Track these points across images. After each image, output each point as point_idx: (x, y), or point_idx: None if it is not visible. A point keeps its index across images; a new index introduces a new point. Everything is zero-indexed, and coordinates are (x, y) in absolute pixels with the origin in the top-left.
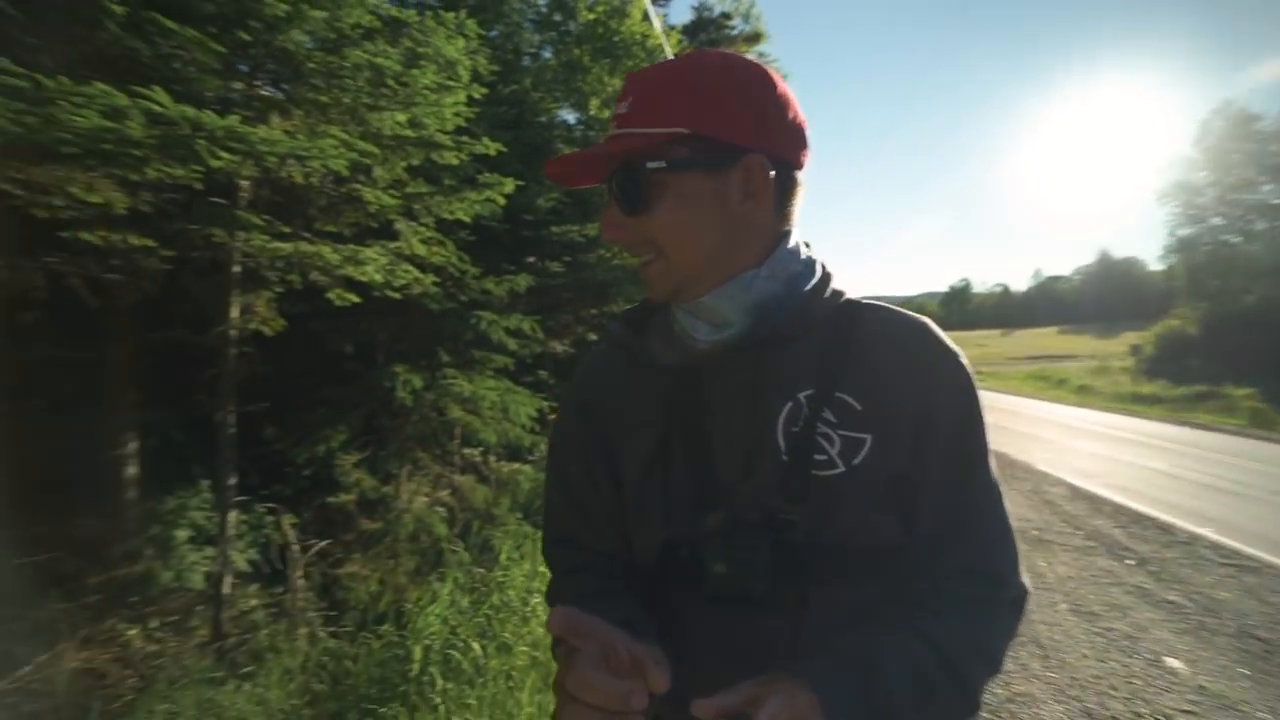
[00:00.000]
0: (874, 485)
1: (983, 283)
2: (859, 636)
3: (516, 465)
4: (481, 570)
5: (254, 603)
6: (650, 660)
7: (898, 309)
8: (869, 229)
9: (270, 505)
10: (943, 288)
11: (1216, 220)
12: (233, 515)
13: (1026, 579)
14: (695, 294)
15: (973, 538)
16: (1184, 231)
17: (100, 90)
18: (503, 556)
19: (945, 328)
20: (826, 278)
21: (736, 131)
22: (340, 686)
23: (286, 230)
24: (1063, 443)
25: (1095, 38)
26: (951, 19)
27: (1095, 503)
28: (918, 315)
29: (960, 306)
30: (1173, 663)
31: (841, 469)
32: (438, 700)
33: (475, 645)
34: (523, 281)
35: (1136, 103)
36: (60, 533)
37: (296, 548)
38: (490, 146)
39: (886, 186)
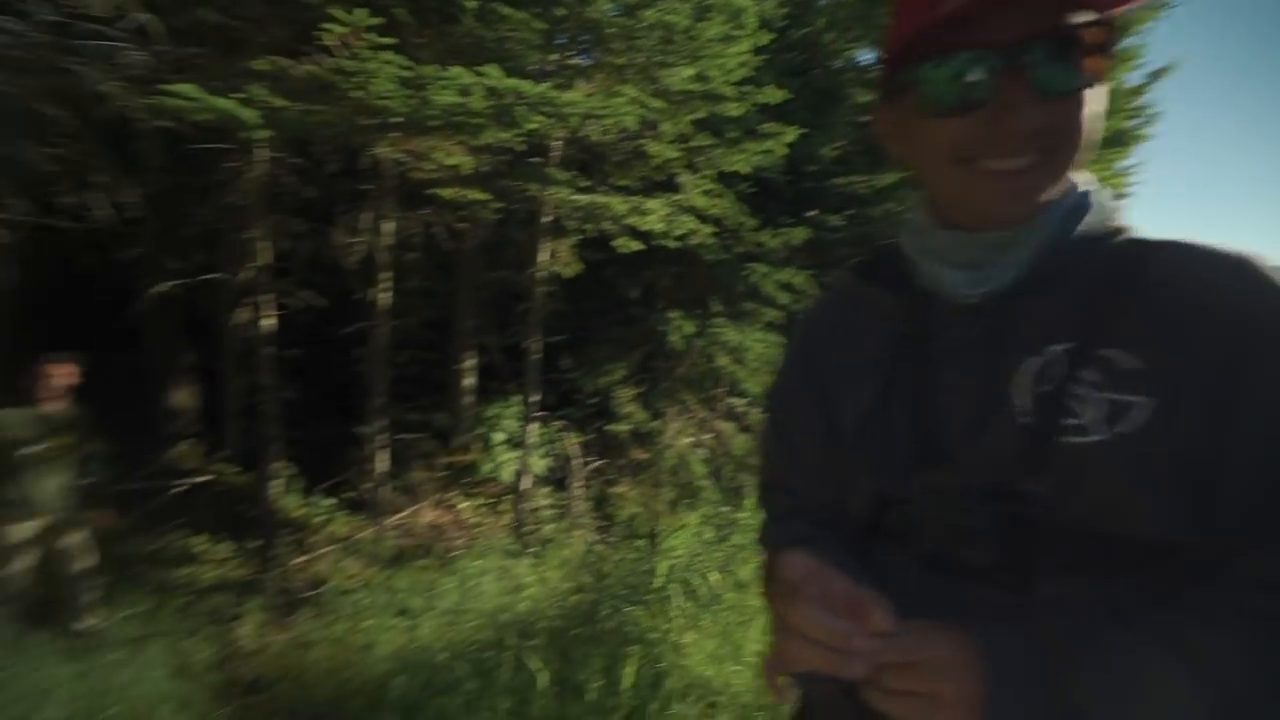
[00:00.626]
0: (1144, 461)
1: None
2: (1083, 619)
3: None
4: (728, 509)
5: (544, 502)
6: (871, 601)
7: (1206, 243)
8: None
9: (562, 423)
10: None
11: None
12: (534, 427)
13: None
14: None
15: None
16: None
17: (456, 73)
18: (750, 502)
19: None
20: (1107, 208)
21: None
22: (601, 582)
23: (586, 184)
24: None
25: None
26: None
27: None
28: (1236, 248)
29: None
30: None
31: (1101, 437)
32: (674, 613)
33: (713, 575)
34: (800, 235)
35: None
36: (422, 422)
37: (580, 462)
38: (774, 95)
39: None
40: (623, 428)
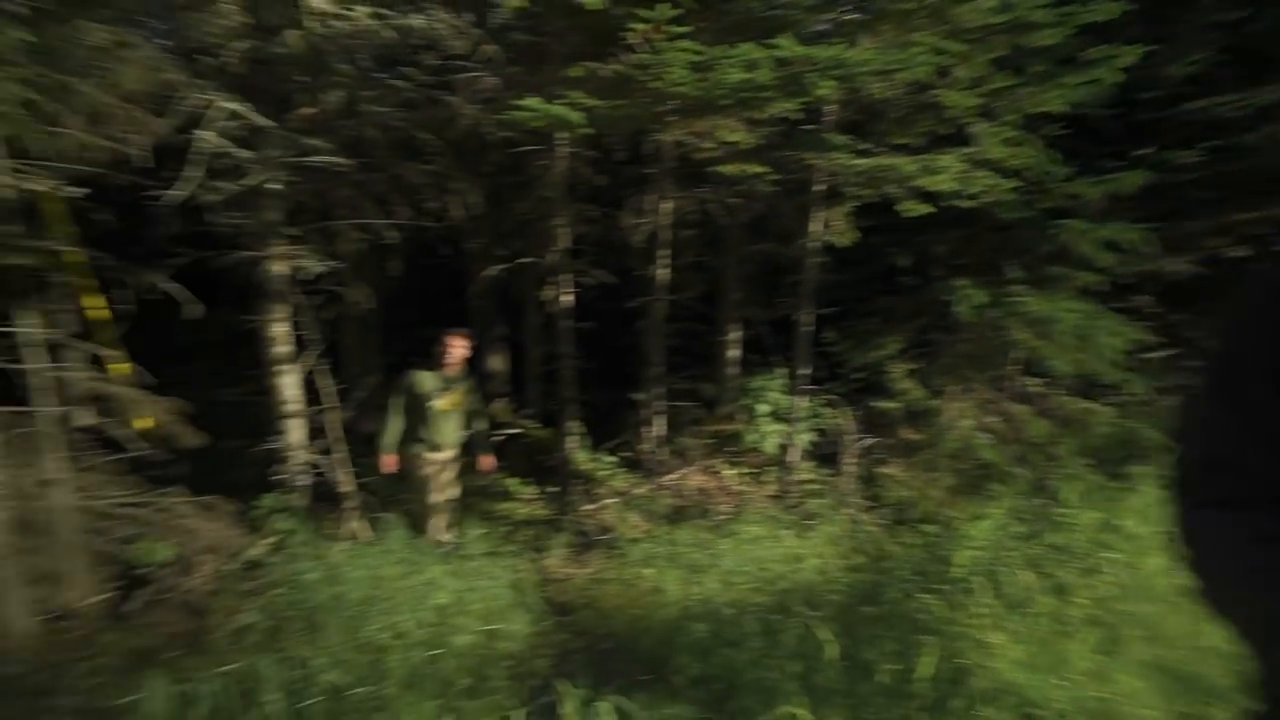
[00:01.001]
0: None
1: None
2: None
3: (1089, 403)
4: (1041, 503)
5: (809, 477)
6: None
7: None
8: None
9: (830, 398)
10: None
11: None
12: (802, 400)
13: None
14: None
15: None
16: None
17: (744, 49)
18: (1070, 497)
19: None
20: None
21: None
22: (880, 564)
23: (864, 147)
24: None
25: None
26: None
27: None
28: None
29: None
30: None
31: None
32: (979, 610)
33: (1023, 574)
34: (1132, 180)
35: None
36: (692, 390)
37: (852, 438)
38: (1108, 9)
39: None
40: (893, 405)
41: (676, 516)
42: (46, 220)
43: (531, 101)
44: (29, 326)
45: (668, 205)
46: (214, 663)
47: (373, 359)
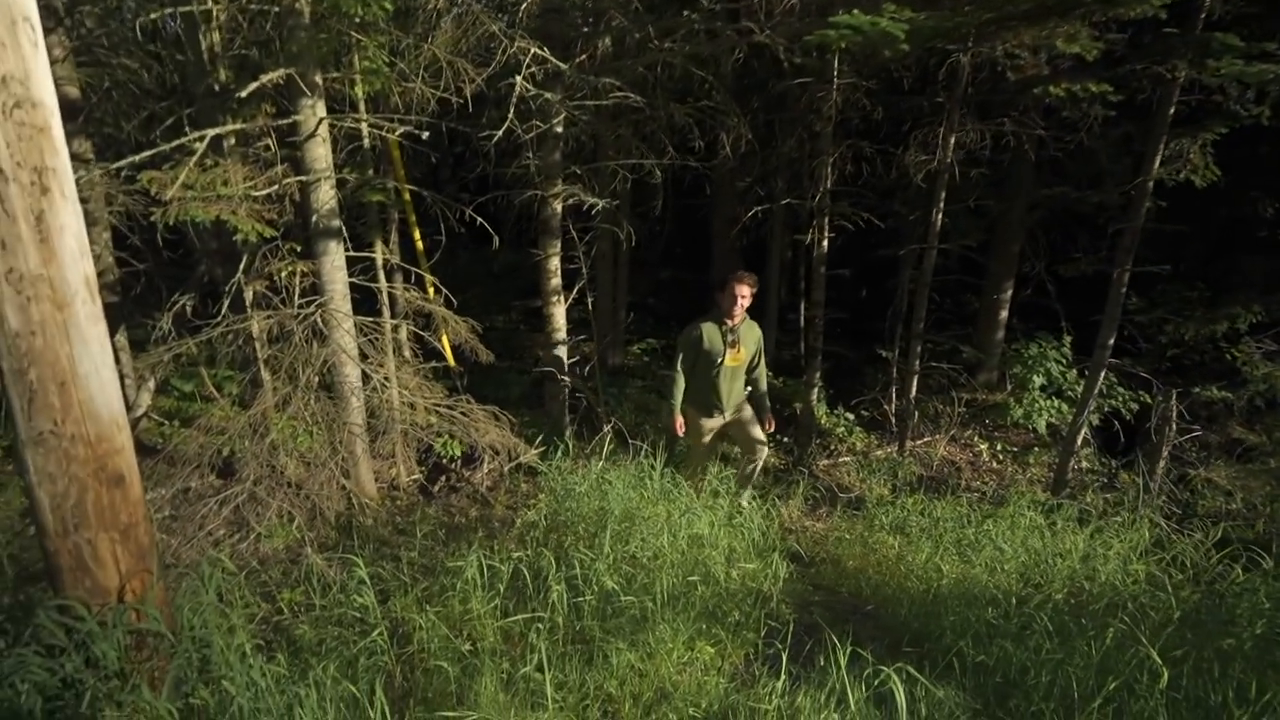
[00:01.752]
0: None
1: None
2: None
3: None
4: None
5: (1085, 465)
6: None
7: None
8: None
9: (1129, 373)
10: None
11: None
12: (1101, 376)
13: None
14: None
15: None
16: None
17: None
18: None
19: None
20: None
21: None
22: (1204, 580)
23: (1271, 47)
24: None
25: None
26: None
27: None
28: None
29: None
30: None
31: None
32: None
33: None
34: None
35: None
36: (951, 351)
37: (1173, 428)
38: None
39: None
40: (1225, 394)
41: (922, 485)
42: (391, 163)
43: (848, 16)
44: (379, 253)
45: (951, 140)
46: (505, 547)
47: (621, 296)
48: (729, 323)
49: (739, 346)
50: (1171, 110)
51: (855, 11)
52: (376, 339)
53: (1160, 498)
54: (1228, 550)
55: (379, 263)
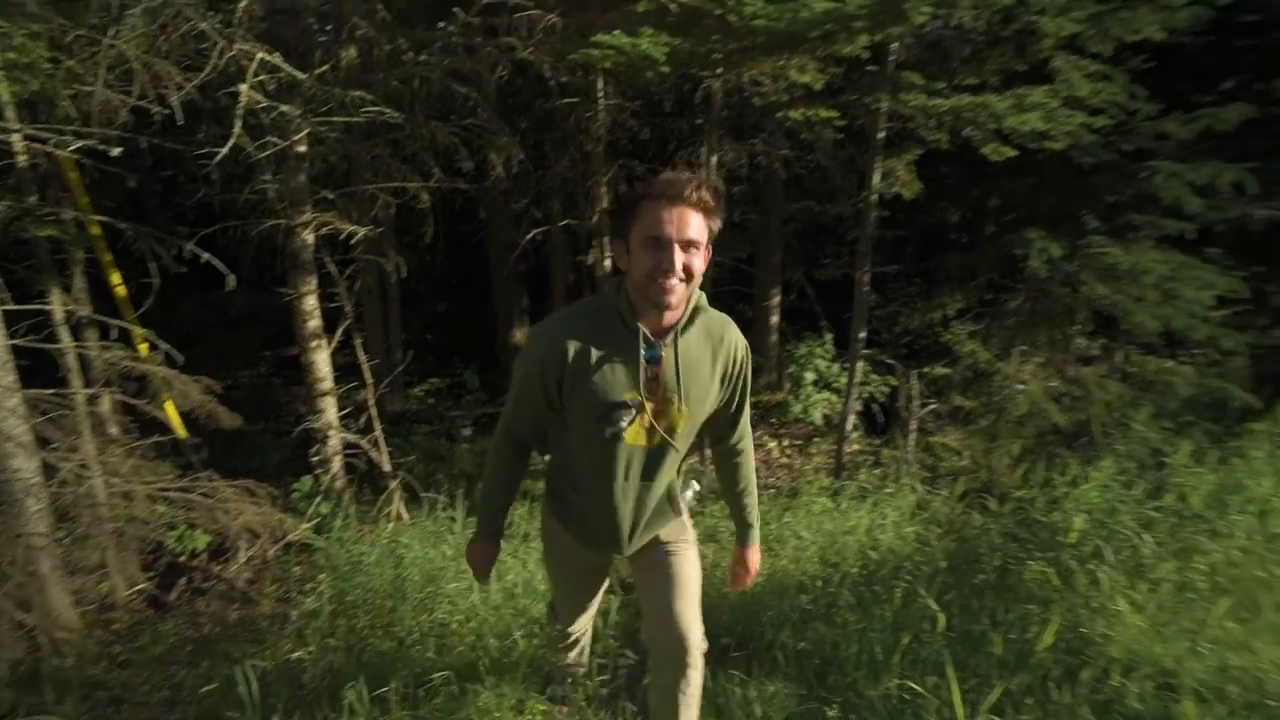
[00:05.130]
0: None
1: None
2: None
3: (1170, 363)
4: (1142, 465)
5: (859, 447)
6: None
7: None
8: None
9: (885, 362)
10: None
11: None
12: (859, 366)
13: None
14: None
15: None
16: None
17: None
18: (1177, 457)
19: None
20: None
21: None
22: (959, 533)
23: (941, 86)
24: None
25: None
26: None
27: None
28: None
29: None
30: None
31: None
32: (1100, 574)
33: (1142, 537)
34: (1231, 115)
35: None
36: None
37: (916, 404)
38: None
39: None
40: (949, 370)
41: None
42: (67, 188)
43: (610, 37)
44: (56, 304)
45: (714, 160)
46: (280, 650)
47: (395, 335)
48: (653, 323)
49: (677, 391)
50: (881, 135)
51: (617, 33)
52: (64, 416)
53: (915, 466)
54: (966, 498)
55: (58, 317)
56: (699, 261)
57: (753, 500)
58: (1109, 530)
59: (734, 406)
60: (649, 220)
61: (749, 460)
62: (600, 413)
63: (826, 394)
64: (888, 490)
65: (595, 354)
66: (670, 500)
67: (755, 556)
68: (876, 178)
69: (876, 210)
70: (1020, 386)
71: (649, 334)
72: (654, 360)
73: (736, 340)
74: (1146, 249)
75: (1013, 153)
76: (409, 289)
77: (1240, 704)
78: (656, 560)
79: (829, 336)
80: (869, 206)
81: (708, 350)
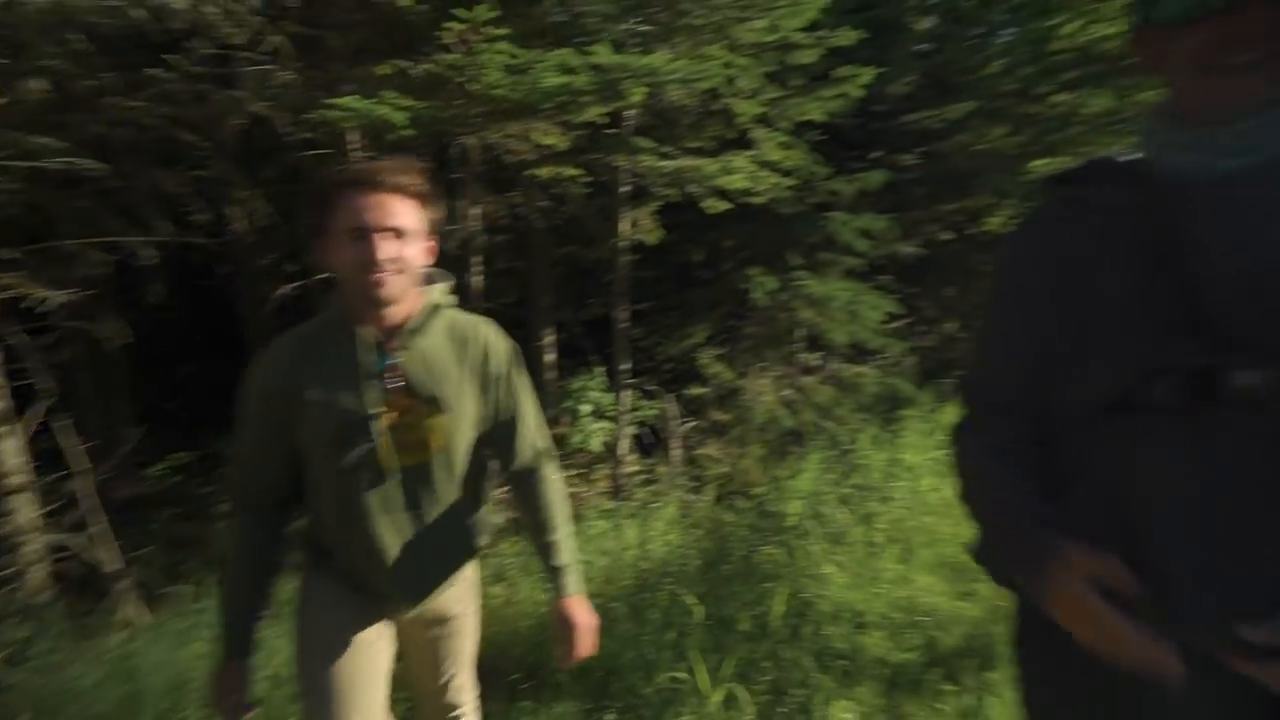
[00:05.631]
0: None
1: None
2: None
3: (860, 368)
4: (841, 452)
5: (635, 469)
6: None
7: None
8: None
9: (649, 389)
10: None
11: None
12: (625, 395)
13: None
14: (1259, 107)
15: None
16: None
17: (560, 55)
18: (861, 443)
19: None
20: None
21: None
22: (717, 533)
23: (666, 150)
24: None
25: None
26: None
27: None
28: None
29: None
30: None
31: None
32: (812, 547)
33: (840, 514)
34: (875, 179)
35: None
36: None
37: (676, 423)
38: (848, 36)
39: None
40: (705, 390)
41: (513, 528)
42: None
43: (348, 100)
44: None
45: (476, 211)
46: None
47: (121, 408)
48: (378, 324)
49: (423, 398)
50: (626, 189)
51: (355, 97)
52: None
53: (682, 478)
54: (722, 500)
55: None
56: (413, 251)
57: (563, 536)
58: (817, 511)
59: (507, 414)
60: (347, 210)
61: (551, 486)
62: (335, 436)
63: (603, 423)
64: (655, 505)
65: (317, 370)
66: (464, 534)
67: (582, 609)
68: (624, 226)
69: (628, 255)
70: (762, 398)
71: (377, 336)
72: (388, 366)
73: (490, 339)
74: (835, 280)
75: (727, 205)
76: (143, 353)
77: (904, 625)
78: (437, 638)
79: (600, 370)
80: (618, 252)
81: (453, 349)
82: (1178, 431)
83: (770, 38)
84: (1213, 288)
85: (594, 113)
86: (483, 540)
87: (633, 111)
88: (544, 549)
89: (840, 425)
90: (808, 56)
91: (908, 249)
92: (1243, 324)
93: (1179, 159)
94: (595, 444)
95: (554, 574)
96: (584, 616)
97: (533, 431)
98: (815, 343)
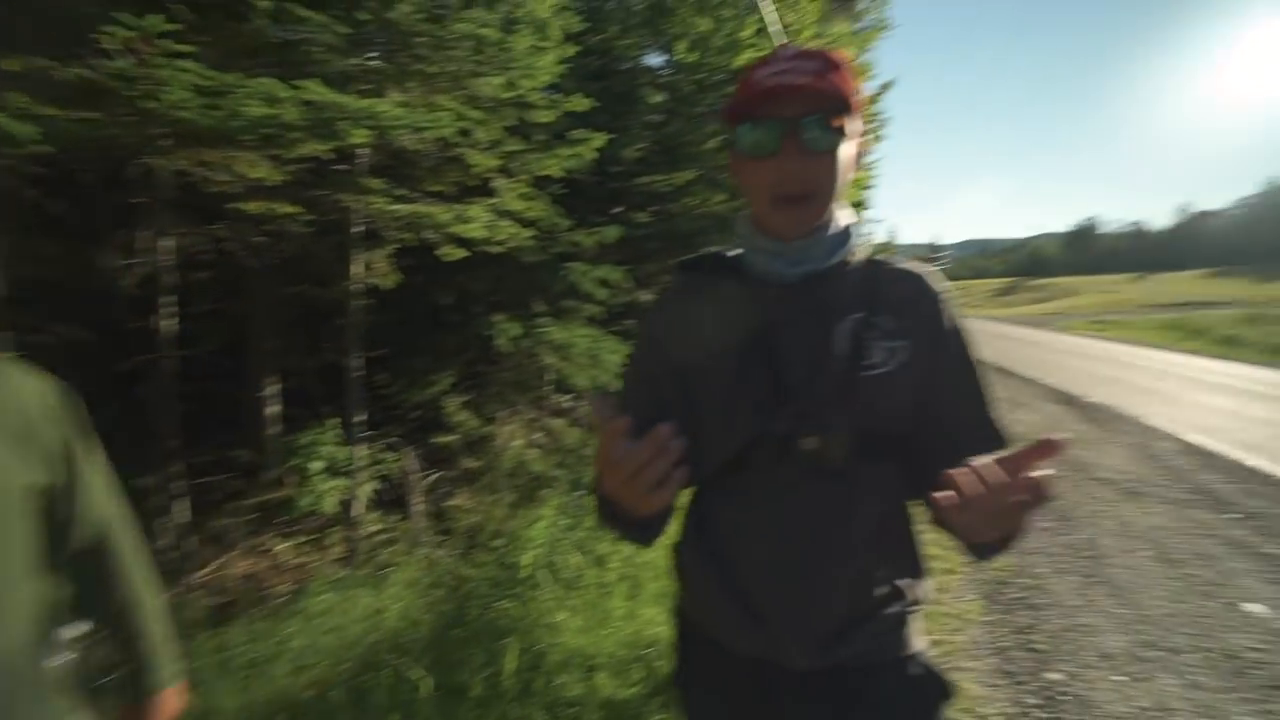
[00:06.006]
0: (907, 382)
1: (1114, 221)
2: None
3: None
4: (578, 494)
5: (378, 526)
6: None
7: (902, 259)
8: (961, 174)
9: (390, 442)
10: (1063, 228)
11: None
12: (360, 449)
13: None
14: (808, 233)
15: (980, 414)
16: None
17: (265, 84)
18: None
19: (1068, 271)
20: (860, 234)
21: (859, 116)
22: (459, 590)
23: (401, 193)
24: (1188, 398)
25: None
26: None
27: (1208, 458)
28: (918, 263)
29: (1085, 248)
30: (1252, 607)
31: (887, 370)
32: (546, 597)
33: (574, 558)
34: (612, 233)
35: None
36: (222, 460)
37: (417, 477)
38: (580, 104)
39: (986, 128)
40: (452, 438)
41: (221, 617)
42: None
43: None
44: None
45: (169, 243)
46: None
47: None
48: None
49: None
50: (359, 229)
51: None
52: None
53: (428, 533)
54: (469, 553)
55: None
56: None
57: (150, 620)
58: (550, 559)
59: (64, 481)
60: None
61: (129, 561)
62: None
63: (337, 480)
64: (392, 568)
65: None
66: (25, 669)
67: (174, 703)
68: (358, 269)
69: (362, 298)
70: (506, 444)
71: None
72: None
73: (27, 390)
74: (577, 327)
75: (464, 253)
76: None
77: (630, 660)
78: None
79: (334, 422)
80: (350, 295)
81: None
82: (767, 487)
83: (508, 94)
84: (790, 369)
85: (310, 149)
86: (58, 661)
87: (364, 150)
88: (128, 639)
89: (584, 469)
90: (545, 116)
91: (648, 296)
92: (809, 398)
93: (764, 261)
94: (328, 505)
95: (140, 674)
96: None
97: (108, 502)
98: (565, 385)
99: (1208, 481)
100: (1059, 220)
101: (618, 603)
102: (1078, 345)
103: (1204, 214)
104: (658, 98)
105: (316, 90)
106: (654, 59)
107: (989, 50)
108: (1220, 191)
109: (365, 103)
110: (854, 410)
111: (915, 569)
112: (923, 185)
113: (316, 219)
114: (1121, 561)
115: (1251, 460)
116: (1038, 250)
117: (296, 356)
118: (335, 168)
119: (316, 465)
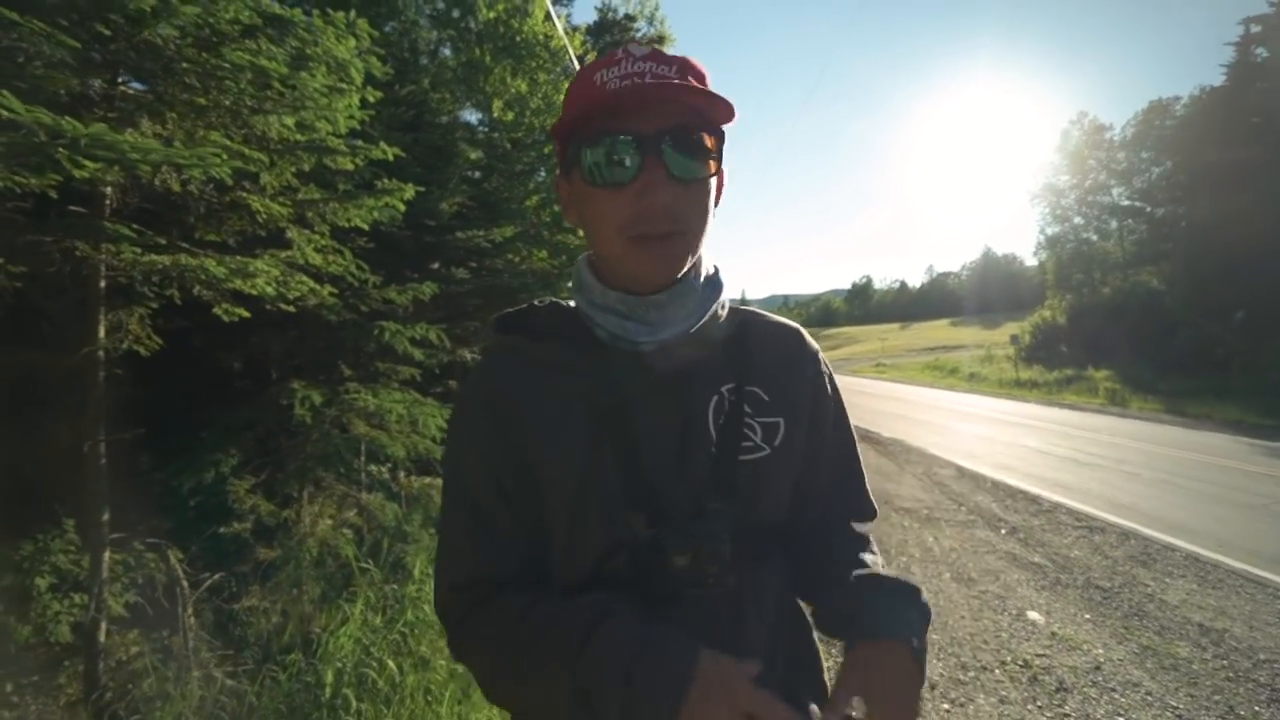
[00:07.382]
0: (787, 464)
1: (883, 280)
2: (860, 589)
3: (428, 479)
4: (394, 587)
5: (134, 649)
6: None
7: (772, 316)
8: (775, 234)
9: (151, 541)
10: (847, 285)
11: (1078, 220)
12: (106, 555)
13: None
14: (671, 282)
15: (857, 490)
16: (1052, 230)
17: None
18: (416, 571)
19: (850, 322)
20: (723, 284)
21: (722, 137)
22: None
23: (162, 241)
24: (953, 427)
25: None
26: (844, 22)
27: (977, 480)
28: (789, 320)
29: (864, 302)
30: (1033, 615)
31: (766, 451)
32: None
33: (391, 663)
34: (427, 289)
35: (1015, 106)
36: None
37: (185, 584)
38: (388, 151)
39: (786, 196)
40: (242, 526)
41: None
42: None
43: None
44: None
45: None
46: None
47: None
48: None
49: None
50: (104, 284)
51: None
52: None
53: (204, 647)
54: (264, 667)
55: None
56: None
57: None
58: (361, 671)
59: None
60: None
61: None
62: None
63: (79, 597)
64: (155, 702)
65: None
66: None
67: None
68: (103, 332)
69: (113, 368)
70: (312, 528)
71: None
72: None
73: None
74: (391, 391)
75: (245, 313)
76: None
77: None
78: None
79: (71, 524)
80: (94, 363)
81: None
82: (638, 602)
83: (300, 136)
84: (650, 458)
85: (17, 182)
86: None
87: (110, 189)
88: None
89: (411, 545)
90: (347, 163)
91: (470, 355)
92: (672, 495)
93: (613, 324)
94: (64, 631)
95: None
96: None
97: None
98: (379, 455)
99: (981, 502)
100: (843, 278)
101: (446, 710)
102: (866, 386)
103: (944, 274)
104: (475, 154)
105: (15, 106)
106: (471, 115)
107: (781, 123)
108: (955, 255)
109: (95, 129)
110: (732, 507)
111: (813, 662)
112: (733, 234)
113: (37, 271)
114: (931, 586)
115: (1006, 479)
116: (827, 304)
117: (14, 442)
118: (71, 209)
119: (44, 581)
